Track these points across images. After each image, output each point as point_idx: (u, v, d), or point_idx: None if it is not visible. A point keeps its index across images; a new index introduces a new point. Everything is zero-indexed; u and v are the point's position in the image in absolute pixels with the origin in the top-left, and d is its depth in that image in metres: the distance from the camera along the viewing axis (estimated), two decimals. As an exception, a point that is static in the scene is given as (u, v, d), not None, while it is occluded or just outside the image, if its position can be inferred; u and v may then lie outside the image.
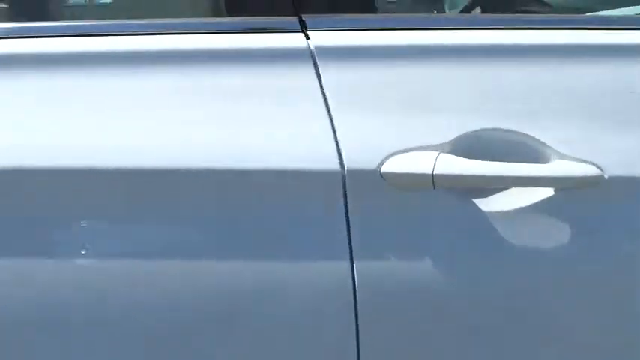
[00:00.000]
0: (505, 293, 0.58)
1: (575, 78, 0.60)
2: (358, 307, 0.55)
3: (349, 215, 0.54)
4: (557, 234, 0.57)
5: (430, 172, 0.53)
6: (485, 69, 0.60)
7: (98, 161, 0.52)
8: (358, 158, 0.54)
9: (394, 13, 0.80)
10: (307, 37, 0.58)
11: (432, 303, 0.56)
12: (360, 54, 0.59)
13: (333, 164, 0.54)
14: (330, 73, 0.57)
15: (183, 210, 0.55)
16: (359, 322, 0.55)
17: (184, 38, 0.58)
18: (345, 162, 0.54)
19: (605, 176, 0.55)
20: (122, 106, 0.56)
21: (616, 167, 0.56)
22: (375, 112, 0.57)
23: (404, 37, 0.60)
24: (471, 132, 0.56)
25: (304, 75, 0.56)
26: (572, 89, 0.59)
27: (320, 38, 0.58)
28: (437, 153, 0.54)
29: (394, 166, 0.54)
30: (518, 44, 0.61)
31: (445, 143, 0.55)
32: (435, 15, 0.77)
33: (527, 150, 0.56)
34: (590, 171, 0.55)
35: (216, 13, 0.71)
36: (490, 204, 0.56)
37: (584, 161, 0.56)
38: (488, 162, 0.55)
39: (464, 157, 0.55)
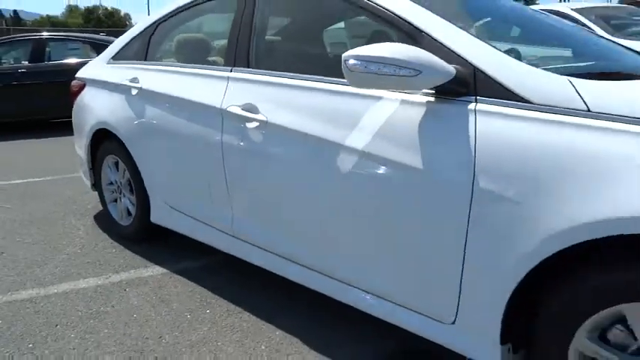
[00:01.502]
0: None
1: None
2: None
3: (223, 120, 2.14)
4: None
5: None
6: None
7: None
8: (227, 104, 2.12)
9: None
10: (231, 72, 2.18)
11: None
12: (245, 80, 2.13)
13: (218, 103, 2.15)
14: (232, 83, 2.15)
15: None
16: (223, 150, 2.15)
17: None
18: (223, 105, 2.14)
19: (267, 120, 1.95)
20: None
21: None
22: (243, 93, 2.12)
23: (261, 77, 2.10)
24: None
25: (223, 83, 2.17)
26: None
27: (235, 74, 2.17)
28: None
29: (234, 109, 2.10)
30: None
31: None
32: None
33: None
34: (260, 117, 1.95)
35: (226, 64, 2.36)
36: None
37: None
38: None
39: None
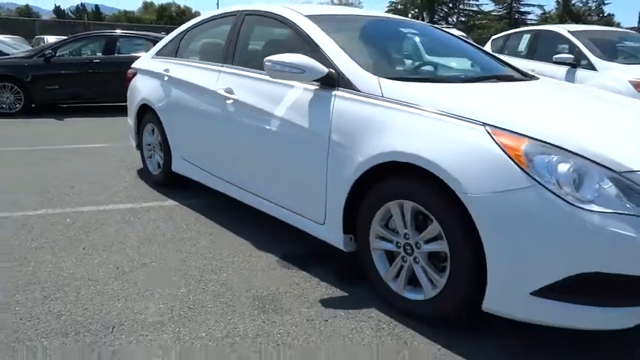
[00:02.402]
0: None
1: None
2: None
3: (215, 98, 3.28)
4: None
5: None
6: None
7: None
8: (217, 88, 3.25)
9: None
10: (222, 67, 3.31)
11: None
12: (229, 72, 3.26)
13: (213, 87, 3.28)
14: (222, 74, 3.28)
15: None
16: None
17: None
18: (215, 88, 3.27)
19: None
20: None
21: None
22: (227, 80, 3.24)
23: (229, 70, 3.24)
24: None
25: (217, 73, 3.30)
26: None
27: (224, 68, 3.31)
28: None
29: (221, 91, 3.23)
30: None
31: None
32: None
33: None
34: (234, 97, 3.06)
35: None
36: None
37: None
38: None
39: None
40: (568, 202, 1.72)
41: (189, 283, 2.57)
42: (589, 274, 1.73)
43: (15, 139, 6.32)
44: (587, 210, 1.71)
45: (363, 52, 2.75)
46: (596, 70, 6.44)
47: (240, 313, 2.29)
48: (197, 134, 3.55)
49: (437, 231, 2.05)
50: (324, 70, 2.49)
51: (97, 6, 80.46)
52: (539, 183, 1.76)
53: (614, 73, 6.22)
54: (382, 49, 2.99)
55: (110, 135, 6.52)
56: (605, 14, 48.97)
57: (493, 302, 1.91)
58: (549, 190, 1.75)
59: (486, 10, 46.88)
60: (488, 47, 8.74)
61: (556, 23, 40.88)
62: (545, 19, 47.04)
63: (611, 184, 1.75)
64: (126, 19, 61.80)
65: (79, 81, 8.57)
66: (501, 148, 1.85)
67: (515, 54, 7.92)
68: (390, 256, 2.33)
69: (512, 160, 1.82)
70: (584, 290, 1.77)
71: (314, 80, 2.52)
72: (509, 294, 1.86)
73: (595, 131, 1.98)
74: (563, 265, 1.75)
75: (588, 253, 1.72)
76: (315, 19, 2.88)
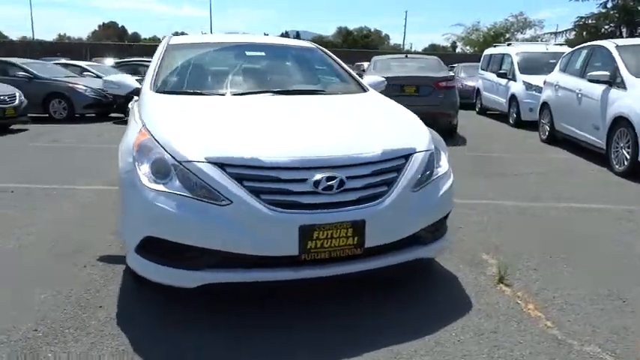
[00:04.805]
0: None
1: None
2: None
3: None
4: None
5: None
6: None
7: None
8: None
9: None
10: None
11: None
12: None
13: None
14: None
15: None
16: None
17: None
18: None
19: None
20: None
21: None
22: None
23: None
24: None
25: None
26: None
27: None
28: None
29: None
30: None
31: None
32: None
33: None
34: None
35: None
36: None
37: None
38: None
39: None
40: (143, 182, 2.27)
41: (37, 244, 3.53)
42: (151, 237, 2.25)
43: (84, 139, 8.42)
44: (152, 189, 2.24)
45: (171, 72, 3.47)
46: (625, 88, 5.70)
47: (35, 270, 3.25)
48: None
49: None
50: (133, 85, 3.33)
51: (297, 32, 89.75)
52: (135, 166, 2.34)
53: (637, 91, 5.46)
54: (195, 68, 3.61)
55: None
56: None
57: (129, 260, 2.50)
58: (137, 172, 2.32)
59: None
60: (557, 66, 8.11)
61: None
62: None
63: (174, 171, 2.24)
64: (321, 42, 67.74)
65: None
66: (133, 141, 2.48)
67: (574, 72, 7.26)
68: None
69: (133, 148, 2.43)
70: (160, 252, 2.27)
71: (129, 93, 3.37)
72: (129, 253, 2.44)
73: (195, 131, 2.47)
74: (139, 230, 2.30)
75: (148, 221, 2.25)
76: (173, 46, 3.72)
